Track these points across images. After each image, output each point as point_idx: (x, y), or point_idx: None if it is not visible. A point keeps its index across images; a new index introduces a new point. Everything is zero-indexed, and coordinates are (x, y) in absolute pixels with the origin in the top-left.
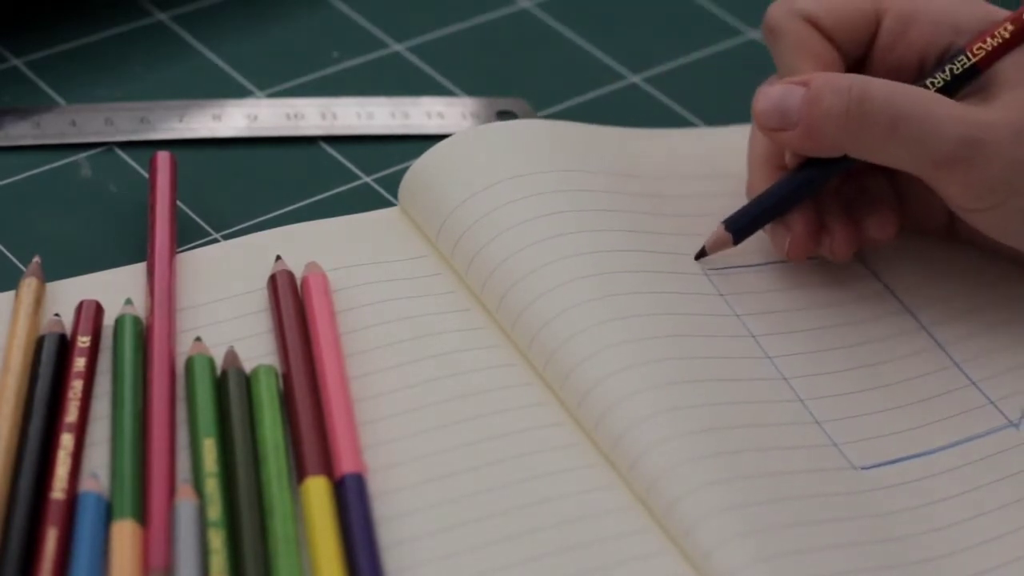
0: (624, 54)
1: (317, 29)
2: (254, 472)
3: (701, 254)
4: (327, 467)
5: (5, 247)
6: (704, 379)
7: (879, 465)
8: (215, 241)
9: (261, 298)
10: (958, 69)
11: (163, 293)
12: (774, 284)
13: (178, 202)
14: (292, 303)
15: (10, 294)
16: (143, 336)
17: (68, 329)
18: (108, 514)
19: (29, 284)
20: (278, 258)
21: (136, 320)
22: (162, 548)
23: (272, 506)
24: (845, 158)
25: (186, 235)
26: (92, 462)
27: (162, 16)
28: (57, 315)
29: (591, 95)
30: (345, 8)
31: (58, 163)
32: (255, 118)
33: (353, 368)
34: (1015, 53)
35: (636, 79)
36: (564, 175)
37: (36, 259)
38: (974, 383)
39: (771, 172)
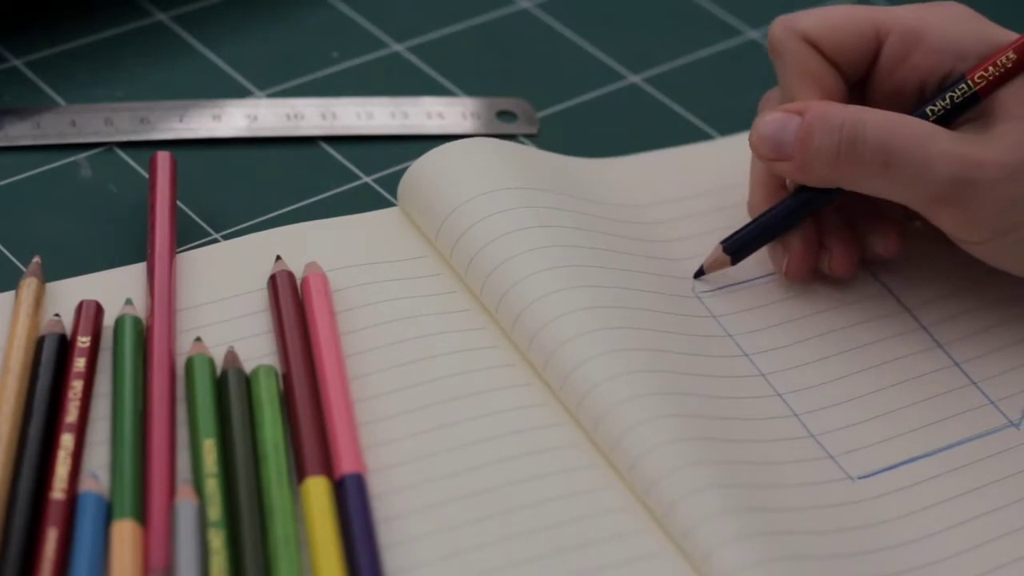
0: (624, 54)
1: (317, 29)
2: (254, 472)
3: (700, 273)
4: (327, 467)
5: (5, 247)
6: (699, 393)
7: (876, 473)
8: (215, 241)
9: (261, 298)
10: (958, 97)
11: (163, 293)
12: (766, 298)
13: (178, 202)
14: (292, 303)
15: (10, 294)
16: (143, 336)
17: (68, 329)
18: (108, 514)
19: (29, 284)
20: (278, 258)
21: (136, 320)
22: (162, 548)
23: (272, 506)
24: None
25: (186, 235)
26: (92, 462)
27: (162, 16)
28: (57, 315)
29: (591, 95)
30: (345, 8)
31: (58, 163)
32: (255, 118)
33: (353, 368)
34: (1016, 82)
35: (636, 79)
36: (562, 196)
37: (36, 259)
38: (974, 383)
39: (772, 191)
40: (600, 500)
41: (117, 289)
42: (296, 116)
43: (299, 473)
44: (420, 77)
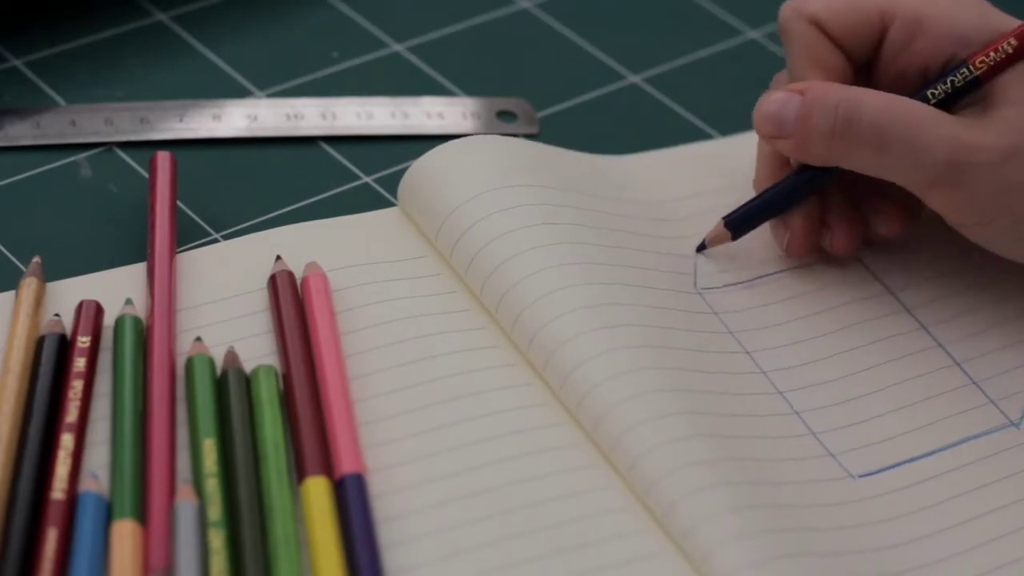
0: (624, 54)
1: (317, 29)
2: (254, 472)
3: (701, 247)
4: (327, 467)
5: (5, 247)
6: (700, 390)
7: (877, 472)
8: (215, 241)
9: (261, 298)
10: (960, 81)
11: (163, 293)
12: (769, 297)
13: (178, 202)
14: (292, 303)
15: (10, 294)
16: (143, 336)
17: (68, 329)
18: (108, 514)
19: (29, 284)
20: (278, 258)
21: (136, 320)
22: (162, 548)
23: (272, 506)
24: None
25: (186, 235)
26: (92, 462)
27: (162, 16)
28: (57, 315)
29: (591, 95)
30: (345, 8)
31: (58, 163)
32: (255, 118)
33: (353, 368)
34: (1017, 68)
35: (636, 79)
36: (565, 191)
37: (36, 259)
38: (975, 382)
39: (776, 169)
40: (600, 500)
41: (117, 289)
42: (296, 116)
43: (299, 473)
44: (420, 77)
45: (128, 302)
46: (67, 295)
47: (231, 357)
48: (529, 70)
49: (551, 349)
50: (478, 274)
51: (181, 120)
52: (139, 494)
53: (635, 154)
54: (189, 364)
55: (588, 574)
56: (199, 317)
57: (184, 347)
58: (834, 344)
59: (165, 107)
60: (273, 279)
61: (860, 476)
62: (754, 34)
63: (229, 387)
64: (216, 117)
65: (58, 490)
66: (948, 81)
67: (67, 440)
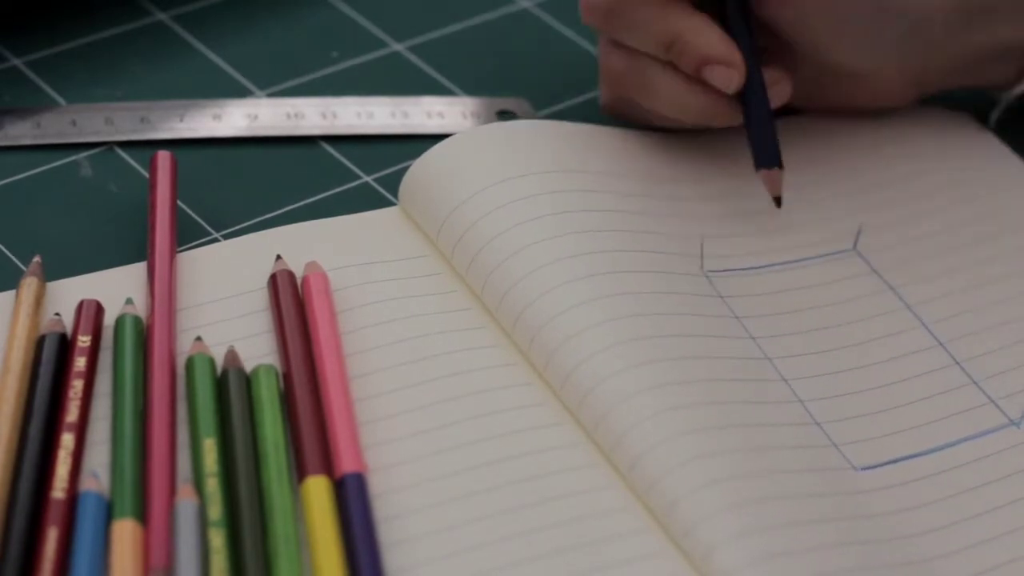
0: None
1: (317, 29)
2: (254, 472)
3: (779, 202)
4: (327, 467)
5: (5, 247)
6: (704, 379)
7: (878, 466)
8: (215, 241)
9: (261, 298)
10: None
11: (163, 293)
12: (774, 286)
13: (178, 202)
14: (292, 303)
15: (10, 294)
16: (143, 336)
17: (68, 329)
18: (109, 514)
19: (29, 284)
20: (278, 258)
21: (136, 320)
22: (163, 548)
23: (272, 506)
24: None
25: (186, 235)
26: (93, 462)
27: (162, 16)
28: (57, 315)
29: (591, 95)
30: (345, 8)
31: (58, 163)
32: (255, 118)
33: (353, 368)
34: None
35: None
36: (565, 175)
37: (36, 259)
38: (975, 382)
39: (614, 83)
40: (600, 500)
41: (117, 288)
42: (296, 116)
43: (299, 472)
44: (420, 77)
45: (128, 301)
46: (67, 295)
47: (231, 356)
48: (529, 70)
49: (552, 348)
50: (479, 273)
51: (181, 120)
52: (139, 493)
53: (635, 129)
54: (189, 363)
55: (588, 574)
56: (199, 317)
57: (184, 346)
58: (837, 337)
59: (165, 107)
60: (273, 279)
61: (862, 469)
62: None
63: (229, 386)
64: (216, 117)
65: (58, 489)
66: None
67: (67, 439)
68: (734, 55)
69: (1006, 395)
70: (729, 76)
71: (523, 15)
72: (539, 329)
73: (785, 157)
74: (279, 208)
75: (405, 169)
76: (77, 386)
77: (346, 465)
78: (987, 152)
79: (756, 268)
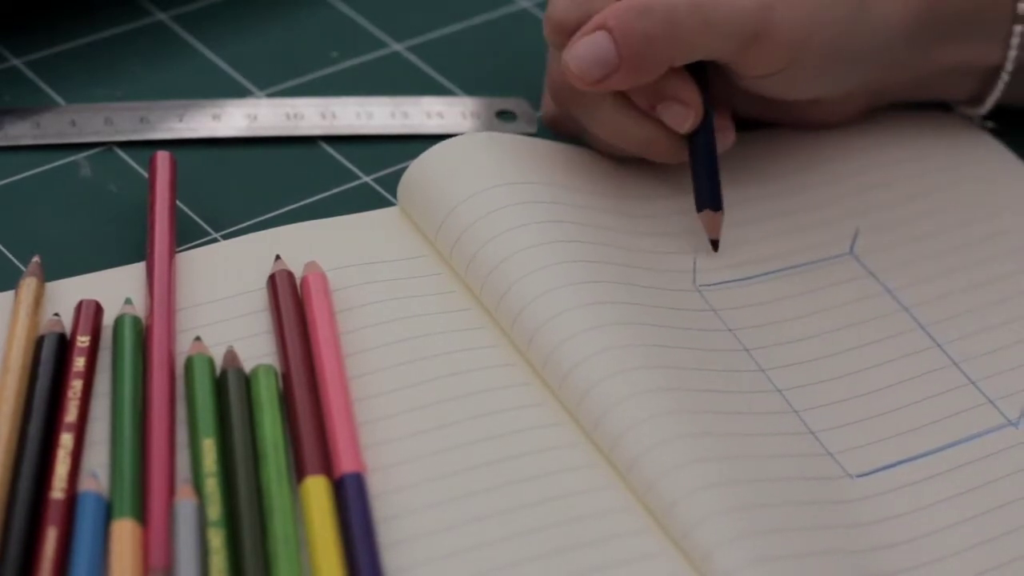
0: None
1: (317, 29)
2: (254, 472)
3: (716, 246)
4: (327, 467)
5: (5, 247)
6: (699, 389)
7: (875, 471)
8: (215, 241)
9: (261, 298)
10: None
11: (163, 293)
12: (770, 295)
13: (178, 202)
14: (292, 303)
15: (10, 294)
16: (143, 336)
17: (68, 329)
18: (108, 514)
19: (29, 284)
20: (278, 258)
21: (136, 320)
22: (162, 548)
23: (272, 506)
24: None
25: (186, 235)
26: (92, 461)
27: (162, 16)
28: (57, 315)
29: None
30: (345, 8)
31: (58, 163)
32: (255, 118)
33: (353, 368)
34: None
35: None
36: (562, 190)
37: (36, 259)
38: (973, 383)
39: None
40: (600, 500)
41: (117, 289)
42: (296, 116)
43: (299, 472)
44: (420, 77)
45: (128, 302)
46: (67, 295)
47: (231, 357)
48: (529, 70)
49: (550, 348)
50: (478, 273)
51: (181, 120)
52: (139, 493)
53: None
54: (189, 364)
55: (588, 574)
56: (199, 317)
57: (184, 347)
58: (832, 343)
59: (165, 107)
60: (273, 279)
61: (858, 476)
62: None
63: (229, 387)
64: (216, 117)
65: (58, 489)
66: None
67: (67, 439)
68: (693, 95)
69: (1004, 395)
70: (685, 116)
71: (523, 15)
72: (538, 329)
73: (781, 161)
74: (279, 208)
75: (404, 169)
76: (76, 386)
77: (345, 465)
78: (984, 153)
79: (751, 278)
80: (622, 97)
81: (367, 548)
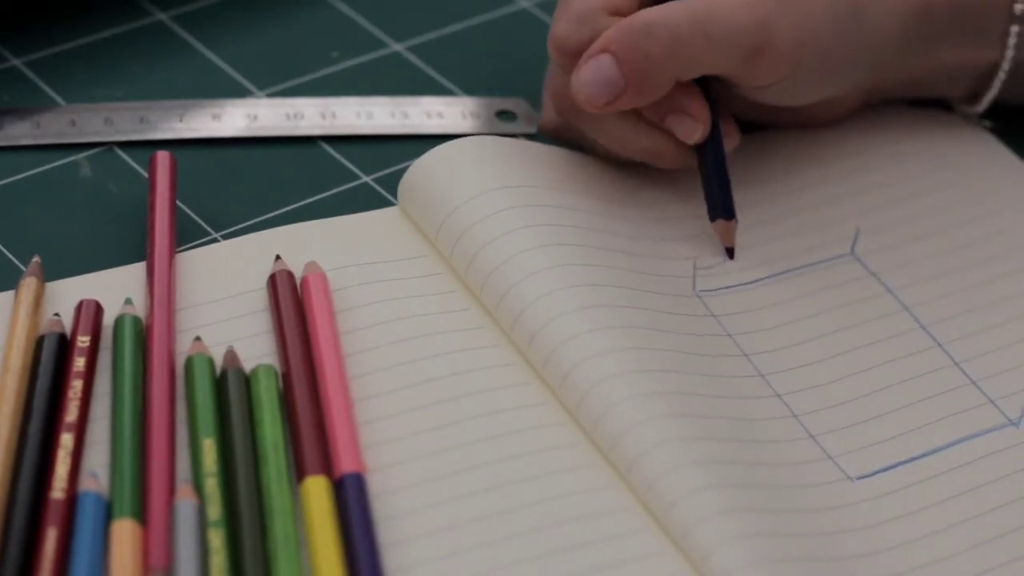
0: None
1: (317, 29)
2: (254, 472)
3: (731, 254)
4: (327, 467)
5: (5, 247)
6: (700, 394)
7: (875, 473)
8: (215, 241)
9: (261, 298)
10: None
11: (163, 293)
12: (770, 299)
13: (178, 202)
14: (292, 303)
15: (10, 294)
16: (143, 336)
17: (68, 329)
18: (108, 514)
19: (29, 284)
20: (278, 258)
21: (136, 320)
22: (162, 548)
23: (272, 506)
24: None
25: (186, 235)
26: (92, 461)
27: (162, 16)
28: (57, 315)
29: None
30: (345, 8)
31: (58, 163)
32: (255, 118)
33: (353, 368)
34: None
35: None
36: (563, 193)
37: (36, 259)
38: (974, 382)
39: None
40: (600, 500)
41: (117, 289)
42: (296, 116)
43: (299, 472)
44: (420, 77)
45: (128, 302)
46: (67, 295)
47: (231, 357)
48: (529, 70)
49: (550, 349)
50: (478, 273)
51: (181, 120)
52: (139, 493)
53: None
54: (189, 364)
55: (588, 574)
56: (199, 317)
57: (184, 347)
58: (833, 345)
59: (165, 107)
60: (273, 279)
61: (857, 478)
62: None
63: (229, 387)
64: (216, 117)
65: (58, 489)
66: None
67: (67, 439)
68: (702, 107)
69: (1005, 395)
70: (694, 128)
71: (523, 15)
72: (538, 329)
73: (780, 162)
74: (279, 208)
75: (404, 169)
76: (76, 386)
77: (345, 465)
78: (985, 152)
79: (752, 283)
80: (629, 111)
81: (367, 548)
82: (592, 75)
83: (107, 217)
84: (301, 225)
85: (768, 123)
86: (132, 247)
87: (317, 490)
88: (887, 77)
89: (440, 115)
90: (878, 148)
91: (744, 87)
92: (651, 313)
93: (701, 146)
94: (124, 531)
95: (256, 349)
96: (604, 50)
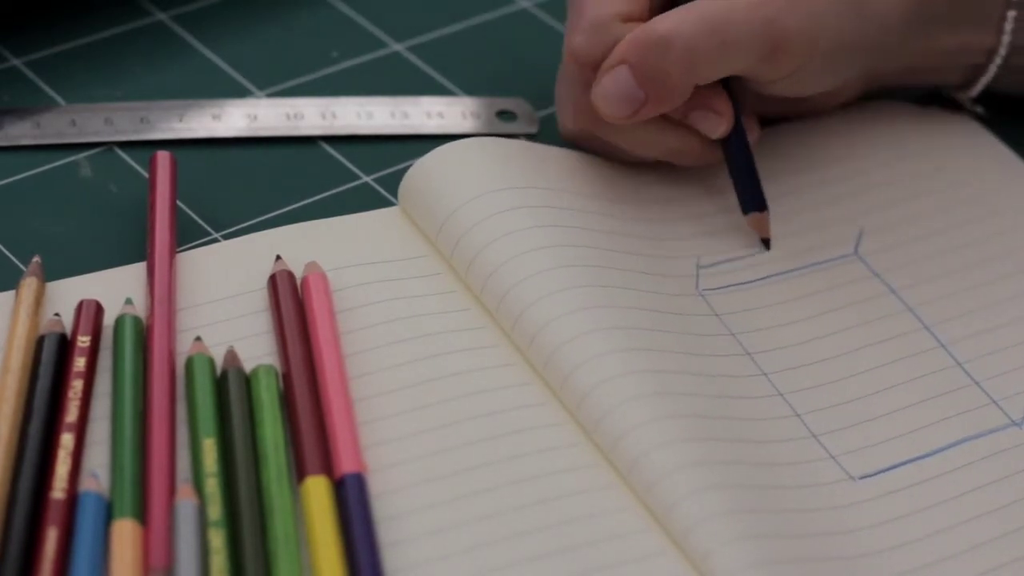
0: None
1: (317, 29)
2: (254, 472)
3: (768, 244)
4: (327, 467)
5: (5, 247)
6: (701, 394)
7: (878, 473)
8: (215, 241)
9: (261, 298)
10: None
11: (163, 293)
12: (774, 298)
13: (178, 202)
14: (292, 303)
15: (10, 294)
16: (143, 336)
17: (68, 329)
18: (108, 514)
19: (29, 284)
20: (278, 258)
21: (136, 320)
22: (162, 548)
23: (272, 506)
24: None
25: (186, 235)
26: (92, 462)
27: (162, 16)
28: (57, 315)
29: None
30: (345, 8)
31: (58, 163)
32: (255, 118)
33: (353, 368)
34: None
35: None
36: (565, 194)
37: (36, 259)
38: (976, 383)
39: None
40: (600, 500)
41: (117, 289)
42: (296, 116)
43: (299, 472)
44: (420, 77)
45: (128, 301)
46: (67, 295)
47: (231, 357)
48: (529, 70)
49: (551, 349)
50: (479, 274)
51: (181, 120)
52: (139, 493)
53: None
54: (189, 364)
55: (588, 574)
56: (199, 317)
57: (184, 347)
58: (836, 345)
59: (165, 107)
60: (273, 279)
61: (860, 478)
62: None
63: (229, 387)
64: (216, 117)
65: (58, 489)
66: None
67: (67, 439)
68: (724, 103)
69: (1008, 395)
70: (718, 123)
71: (523, 15)
72: (538, 330)
73: (783, 162)
74: (279, 208)
75: (405, 169)
76: (77, 386)
77: (346, 465)
78: (987, 152)
79: (755, 281)
80: None
81: (367, 548)
82: (612, 89)
83: (107, 217)
84: (301, 225)
85: (769, 113)
86: (132, 247)
87: (317, 490)
88: (887, 62)
89: (440, 115)
90: (880, 148)
91: (755, 82)
92: (653, 313)
93: (726, 141)
94: (124, 531)
95: (256, 349)
96: (621, 62)
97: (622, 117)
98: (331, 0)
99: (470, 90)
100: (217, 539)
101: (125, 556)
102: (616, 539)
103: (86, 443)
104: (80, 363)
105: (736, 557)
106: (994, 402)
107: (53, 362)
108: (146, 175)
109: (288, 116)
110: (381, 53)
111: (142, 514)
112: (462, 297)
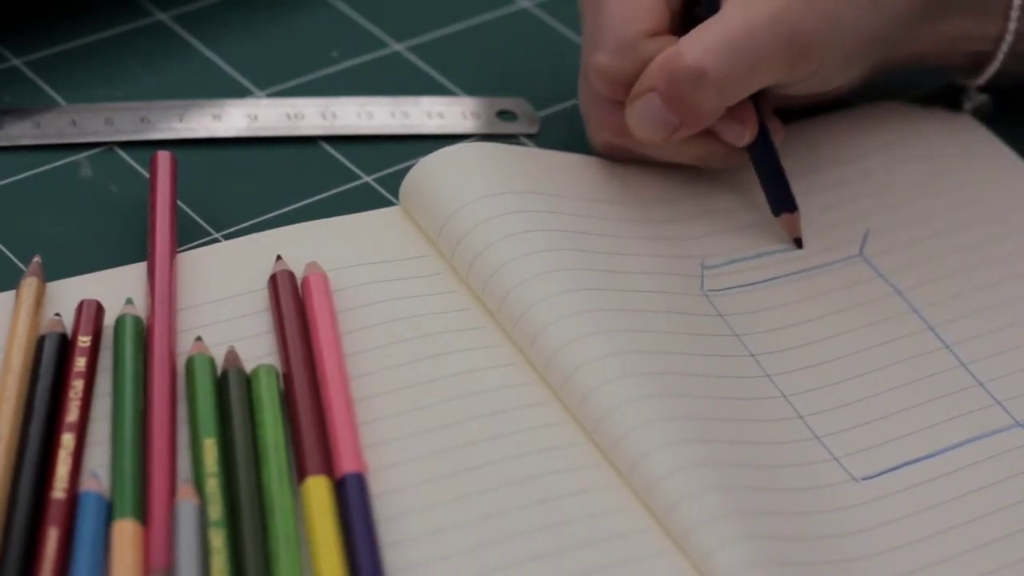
0: None
1: (317, 29)
2: (255, 472)
3: (800, 243)
4: (328, 467)
5: (5, 247)
6: (703, 395)
7: (881, 474)
8: (215, 241)
9: (261, 298)
10: None
11: (163, 293)
12: (779, 299)
13: (178, 202)
14: (292, 303)
15: (10, 294)
16: (144, 336)
17: (69, 329)
18: (109, 514)
19: (29, 284)
20: (278, 258)
21: (136, 320)
22: (163, 548)
23: (273, 506)
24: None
25: (186, 235)
26: (93, 462)
27: (162, 16)
28: (57, 315)
29: None
30: (345, 8)
31: (58, 163)
32: (255, 118)
33: (353, 368)
34: None
35: None
36: (567, 198)
37: (36, 259)
38: (981, 384)
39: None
40: (601, 500)
41: (117, 289)
42: (296, 116)
43: (299, 472)
44: (420, 77)
45: (128, 302)
46: (67, 295)
47: (231, 357)
48: (529, 70)
49: (551, 351)
50: (480, 274)
51: (181, 120)
52: (140, 493)
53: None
54: (189, 364)
55: (588, 574)
56: (199, 317)
57: (184, 347)
58: (840, 346)
59: (165, 107)
60: (273, 279)
61: (862, 479)
62: None
63: (229, 387)
64: (216, 117)
65: (59, 489)
66: None
67: (68, 439)
68: (748, 112)
69: (1012, 396)
70: (742, 132)
71: (523, 15)
72: (539, 331)
73: (788, 165)
74: (279, 208)
75: (405, 169)
76: (77, 386)
77: (346, 465)
78: (991, 154)
79: (760, 282)
80: None
81: (368, 548)
82: (645, 116)
83: (108, 217)
84: (302, 225)
85: (784, 107)
86: (133, 247)
87: (318, 490)
88: (898, 51)
89: (440, 115)
90: (884, 150)
91: (776, 86)
92: (657, 313)
93: (752, 146)
94: (125, 531)
95: (257, 349)
96: (651, 89)
97: (657, 140)
98: (331, 0)
99: (470, 90)
100: (217, 539)
101: (126, 556)
102: (616, 539)
103: (87, 443)
104: (81, 363)
105: (737, 557)
106: (998, 403)
107: (53, 362)
108: (146, 175)
109: (288, 116)
110: (381, 53)
111: (143, 514)
112: (463, 297)
